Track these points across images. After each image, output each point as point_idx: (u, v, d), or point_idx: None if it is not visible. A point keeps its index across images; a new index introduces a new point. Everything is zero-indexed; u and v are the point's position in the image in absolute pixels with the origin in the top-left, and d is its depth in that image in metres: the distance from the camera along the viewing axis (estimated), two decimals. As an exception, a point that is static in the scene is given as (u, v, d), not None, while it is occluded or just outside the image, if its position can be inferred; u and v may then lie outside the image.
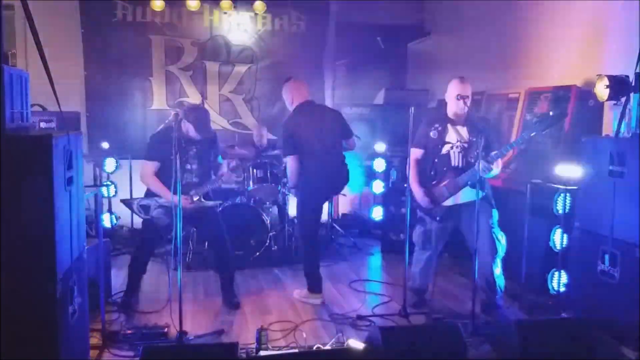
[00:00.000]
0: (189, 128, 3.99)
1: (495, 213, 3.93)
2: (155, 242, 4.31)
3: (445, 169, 3.95)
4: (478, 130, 3.71)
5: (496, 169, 3.83)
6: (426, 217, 4.07)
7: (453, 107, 3.95)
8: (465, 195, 3.89)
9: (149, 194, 4.09)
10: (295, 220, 4.87)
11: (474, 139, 3.84)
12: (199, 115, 4.06)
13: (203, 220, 4.18)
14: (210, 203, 4.14)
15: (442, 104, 4.18)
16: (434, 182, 3.99)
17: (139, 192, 4.23)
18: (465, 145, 3.92)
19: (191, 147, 4.06)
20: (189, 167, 4.05)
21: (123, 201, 4.21)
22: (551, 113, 3.88)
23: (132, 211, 4.10)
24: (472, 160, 3.86)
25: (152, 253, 4.37)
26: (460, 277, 4.96)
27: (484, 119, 4.36)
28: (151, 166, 4.03)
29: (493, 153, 3.75)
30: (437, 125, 3.99)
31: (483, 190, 3.80)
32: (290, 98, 4.40)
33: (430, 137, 4.00)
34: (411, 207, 4.08)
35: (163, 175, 3.97)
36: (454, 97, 3.89)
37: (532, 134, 3.69)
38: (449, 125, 3.98)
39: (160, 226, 4.05)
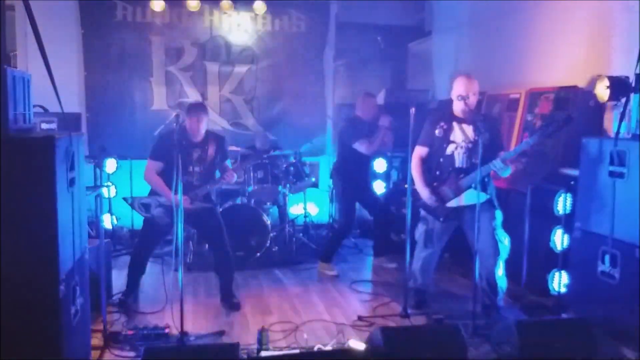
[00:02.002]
0: (192, 125, 4.01)
1: (498, 214, 3.90)
2: (155, 241, 4.31)
3: (450, 169, 3.91)
4: (483, 129, 3.69)
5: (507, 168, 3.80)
6: (429, 217, 4.04)
7: (457, 105, 3.92)
8: (469, 197, 3.86)
9: (152, 193, 4.11)
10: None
11: (479, 139, 3.75)
12: (197, 110, 4.09)
13: (202, 221, 4.19)
14: (207, 205, 4.14)
15: (443, 103, 4.17)
16: (438, 182, 3.96)
17: (139, 192, 4.24)
18: (470, 145, 3.87)
19: (195, 149, 4.07)
20: (191, 169, 4.06)
21: (124, 199, 4.25)
22: (556, 117, 3.85)
23: (133, 209, 4.13)
24: (477, 162, 3.76)
25: (152, 252, 4.37)
26: (461, 277, 4.96)
27: (491, 117, 4.26)
28: (154, 165, 4.07)
29: (497, 159, 3.69)
30: (442, 124, 3.95)
31: (487, 193, 3.78)
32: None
33: (435, 135, 3.96)
34: (414, 206, 4.06)
35: (166, 175, 3.98)
36: (455, 97, 3.88)
37: (537, 139, 3.66)
38: (454, 124, 3.93)
39: (161, 225, 4.06)
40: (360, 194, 5.30)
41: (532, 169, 4.38)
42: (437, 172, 3.98)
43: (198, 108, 4.15)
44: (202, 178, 4.11)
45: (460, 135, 3.91)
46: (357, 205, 5.40)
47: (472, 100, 3.88)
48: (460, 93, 3.83)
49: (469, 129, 3.89)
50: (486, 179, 3.80)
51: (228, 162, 4.36)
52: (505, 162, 3.69)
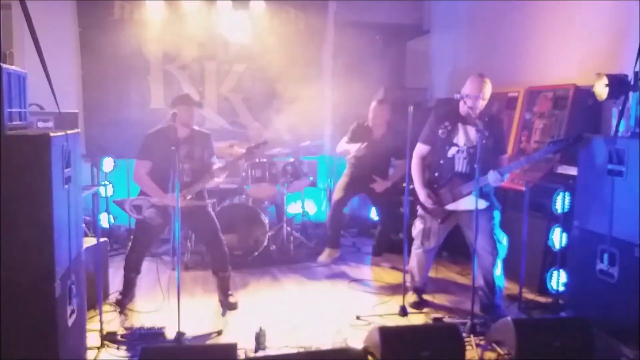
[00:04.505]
0: (183, 115, 3.96)
1: (497, 214, 3.88)
2: (148, 242, 4.27)
3: (450, 173, 3.86)
4: (487, 134, 3.61)
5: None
6: (427, 216, 4.01)
7: (464, 105, 3.78)
8: (467, 203, 3.80)
9: (142, 193, 4.09)
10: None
11: (482, 142, 3.64)
12: (185, 100, 4.09)
13: (196, 220, 4.16)
14: (201, 202, 4.12)
15: (442, 101, 4.15)
16: (437, 185, 3.92)
17: (136, 192, 4.21)
18: (472, 150, 3.78)
19: (182, 146, 4.04)
20: (180, 166, 4.03)
21: (116, 202, 4.20)
22: (567, 135, 3.82)
23: (125, 211, 4.07)
24: (477, 167, 3.66)
25: (146, 253, 4.34)
26: (459, 277, 4.96)
27: (496, 119, 4.12)
28: (143, 165, 4.03)
29: (494, 171, 3.67)
30: (446, 124, 3.87)
31: (486, 200, 3.75)
32: None
33: (438, 135, 3.89)
34: (412, 203, 4.03)
35: (156, 174, 3.96)
36: (465, 95, 3.73)
37: (543, 155, 3.64)
38: (459, 125, 3.85)
39: (153, 226, 4.04)
40: (366, 189, 5.31)
41: (530, 167, 4.37)
42: (436, 174, 3.93)
43: (186, 98, 4.14)
44: (192, 174, 4.09)
45: (463, 139, 3.84)
46: (357, 204, 5.40)
47: (481, 104, 3.79)
48: (470, 93, 3.73)
49: (472, 132, 3.80)
50: (484, 189, 3.76)
51: (215, 159, 4.34)
52: (502, 178, 3.68)
